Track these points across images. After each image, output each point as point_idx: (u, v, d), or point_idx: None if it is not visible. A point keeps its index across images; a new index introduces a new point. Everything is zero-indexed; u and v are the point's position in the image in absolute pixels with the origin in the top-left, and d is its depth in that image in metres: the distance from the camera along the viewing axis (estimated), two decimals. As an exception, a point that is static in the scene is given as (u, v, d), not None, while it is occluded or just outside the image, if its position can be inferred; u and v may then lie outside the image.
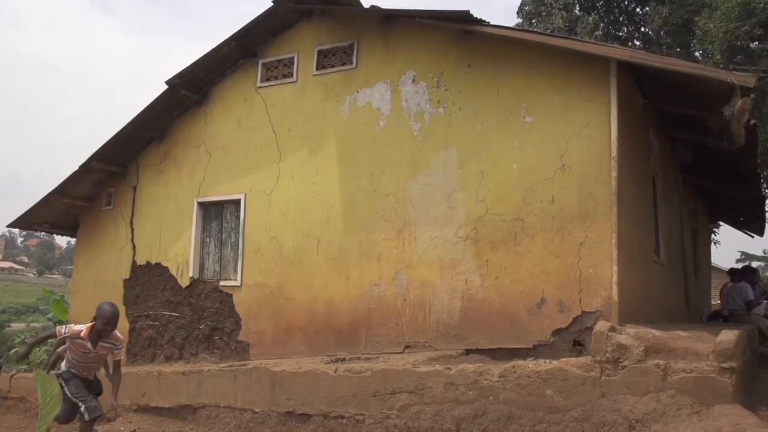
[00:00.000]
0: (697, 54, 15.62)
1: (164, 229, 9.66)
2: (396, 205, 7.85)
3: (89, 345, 5.83)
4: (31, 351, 7.84)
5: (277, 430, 6.85)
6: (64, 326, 6.09)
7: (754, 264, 26.04)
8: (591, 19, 17.91)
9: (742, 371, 5.66)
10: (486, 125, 7.45)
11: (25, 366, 12.09)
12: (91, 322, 5.86)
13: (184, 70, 9.13)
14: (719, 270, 20.24)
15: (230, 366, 7.74)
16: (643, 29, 19.65)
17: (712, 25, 12.29)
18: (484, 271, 7.24)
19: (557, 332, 6.78)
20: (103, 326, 5.75)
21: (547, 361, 6.06)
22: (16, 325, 30.30)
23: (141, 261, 9.81)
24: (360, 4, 8.39)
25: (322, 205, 8.35)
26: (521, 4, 19.90)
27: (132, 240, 9.95)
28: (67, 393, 5.81)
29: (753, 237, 15.50)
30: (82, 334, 5.81)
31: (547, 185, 7.00)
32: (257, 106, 9.07)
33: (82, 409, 5.79)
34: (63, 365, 6.09)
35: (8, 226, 11.23)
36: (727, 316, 10.18)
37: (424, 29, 7.88)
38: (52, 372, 6.44)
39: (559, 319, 6.78)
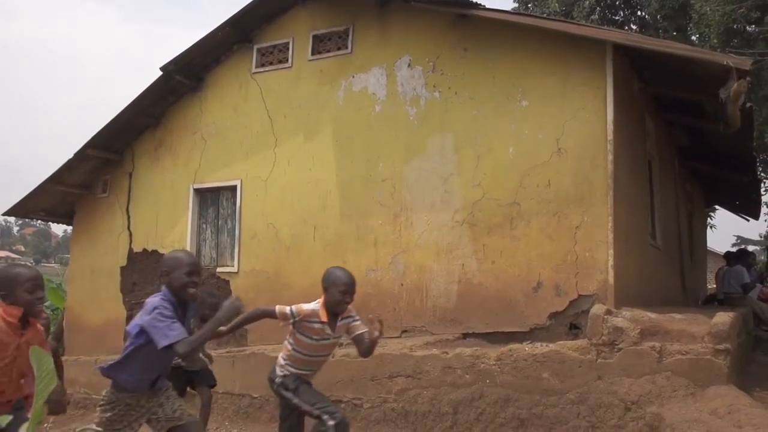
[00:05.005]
0: (693, 38, 15.54)
1: (160, 216, 9.64)
2: (392, 190, 7.84)
3: (329, 330, 4.25)
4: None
5: (276, 415, 6.84)
6: (288, 307, 4.24)
7: (750, 248, 26.16)
8: (587, 2, 17.78)
9: (737, 353, 5.71)
10: (482, 109, 7.42)
11: None
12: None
13: (178, 56, 9.06)
14: (715, 254, 20.36)
15: (228, 352, 7.75)
16: (639, 13, 19.52)
17: (708, 9, 12.25)
18: (481, 256, 7.25)
19: (553, 315, 6.80)
20: (342, 296, 4.20)
21: (544, 344, 6.07)
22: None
23: (138, 248, 9.80)
24: (355, -12, 8.35)
25: (318, 191, 8.33)
26: (517, -12, 19.74)
27: (128, 227, 9.93)
28: (302, 406, 4.25)
29: (749, 221, 15.56)
30: (321, 317, 4.22)
31: (543, 169, 6.99)
32: (252, 92, 9.02)
33: (330, 423, 4.08)
34: (278, 369, 4.35)
35: (4, 215, 11.17)
36: (722, 299, 10.23)
37: (419, 13, 7.82)
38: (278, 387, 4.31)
39: (555, 303, 6.80)
